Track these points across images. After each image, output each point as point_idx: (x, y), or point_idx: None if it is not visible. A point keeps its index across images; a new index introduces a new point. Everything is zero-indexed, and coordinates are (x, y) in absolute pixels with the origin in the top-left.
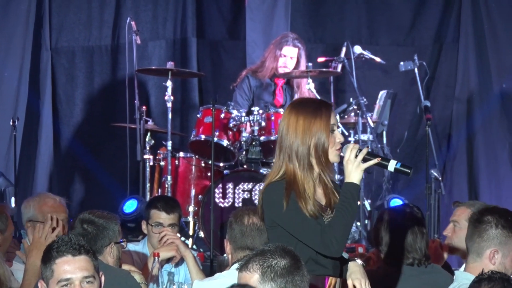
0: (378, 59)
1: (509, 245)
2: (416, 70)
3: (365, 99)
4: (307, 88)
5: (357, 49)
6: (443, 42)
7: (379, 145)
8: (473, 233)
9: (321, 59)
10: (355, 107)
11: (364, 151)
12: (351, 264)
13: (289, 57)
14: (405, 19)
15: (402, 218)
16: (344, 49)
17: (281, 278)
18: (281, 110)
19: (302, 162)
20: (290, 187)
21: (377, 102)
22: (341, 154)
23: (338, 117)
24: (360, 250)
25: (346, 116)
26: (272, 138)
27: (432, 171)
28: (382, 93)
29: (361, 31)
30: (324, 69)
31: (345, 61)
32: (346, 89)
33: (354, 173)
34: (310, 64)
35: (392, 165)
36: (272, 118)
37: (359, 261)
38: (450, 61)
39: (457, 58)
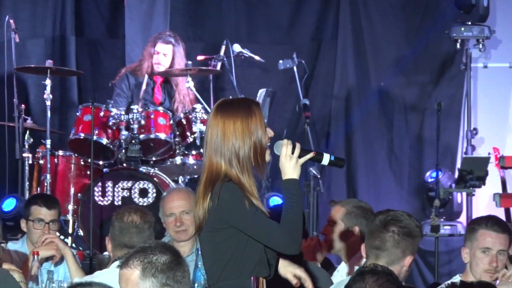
0: (257, 58)
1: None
2: (295, 68)
3: None
4: (187, 86)
5: (236, 48)
6: (321, 40)
7: None
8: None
9: (200, 58)
10: None
11: (298, 146)
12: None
13: (162, 54)
14: (284, 18)
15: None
16: (223, 48)
17: (162, 274)
18: (160, 108)
19: (245, 165)
20: (242, 188)
21: (257, 100)
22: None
23: None
24: None
25: None
26: (152, 136)
27: (311, 168)
28: (262, 91)
29: (240, 30)
30: (204, 68)
31: (225, 59)
32: (226, 87)
33: (294, 169)
34: (189, 62)
35: (326, 158)
36: (152, 116)
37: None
38: (329, 59)
39: (336, 56)
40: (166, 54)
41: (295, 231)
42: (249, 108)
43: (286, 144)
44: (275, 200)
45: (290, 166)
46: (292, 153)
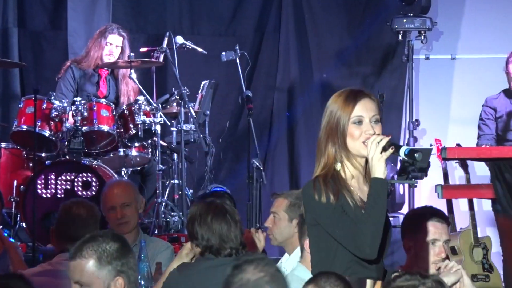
0: (200, 49)
1: None
2: (237, 60)
3: (187, 89)
4: (130, 77)
5: (179, 39)
6: (264, 31)
7: (201, 135)
8: (301, 236)
9: (143, 49)
10: (177, 97)
11: (390, 144)
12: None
13: (114, 46)
14: (226, 9)
15: (214, 209)
16: (166, 40)
17: (117, 261)
18: (103, 100)
19: None
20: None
21: (199, 92)
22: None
23: (160, 107)
24: (183, 239)
25: (168, 107)
26: (94, 128)
27: (253, 160)
28: (204, 83)
29: (183, 22)
30: (146, 59)
31: (167, 51)
32: (168, 79)
33: (384, 168)
34: (132, 54)
35: (402, 151)
36: (95, 108)
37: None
38: (271, 51)
39: (278, 48)
40: (118, 46)
41: (368, 235)
42: None
43: (378, 142)
44: None
45: (381, 166)
46: (384, 150)
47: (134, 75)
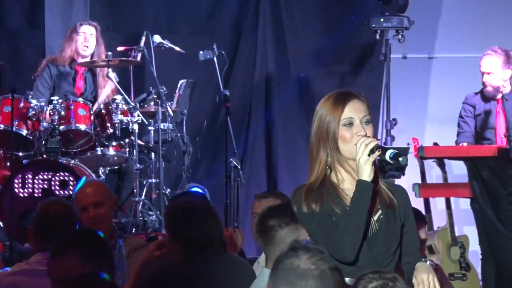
0: (177, 48)
1: (301, 235)
2: (215, 59)
3: (164, 88)
4: (108, 77)
5: (157, 38)
6: (241, 31)
7: (178, 134)
8: (266, 243)
9: (120, 48)
10: (155, 96)
11: (377, 147)
12: (417, 265)
13: (88, 34)
14: (204, 8)
15: (193, 208)
16: (143, 39)
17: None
18: (80, 99)
19: None
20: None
21: (177, 91)
22: None
23: (138, 106)
24: (160, 238)
25: (145, 106)
26: (72, 127)
27: (231, 159)
28: (182, 82)
29: (160, 21)
30: (124, 58)
31: (145, 50)
32: (146, 78)
33: (371, 171)
34: (110, 53)
35: (387, 155)
36: (72, 107)
37: (428, 262)
38: (249, 50)
39: (256, 47)
40: (92, 34)
41: (345, 235)
42: None
43: (366, 144)
44: (195, 191)
45: (367, 169)
46: (372, 152)
47: (112, 74)
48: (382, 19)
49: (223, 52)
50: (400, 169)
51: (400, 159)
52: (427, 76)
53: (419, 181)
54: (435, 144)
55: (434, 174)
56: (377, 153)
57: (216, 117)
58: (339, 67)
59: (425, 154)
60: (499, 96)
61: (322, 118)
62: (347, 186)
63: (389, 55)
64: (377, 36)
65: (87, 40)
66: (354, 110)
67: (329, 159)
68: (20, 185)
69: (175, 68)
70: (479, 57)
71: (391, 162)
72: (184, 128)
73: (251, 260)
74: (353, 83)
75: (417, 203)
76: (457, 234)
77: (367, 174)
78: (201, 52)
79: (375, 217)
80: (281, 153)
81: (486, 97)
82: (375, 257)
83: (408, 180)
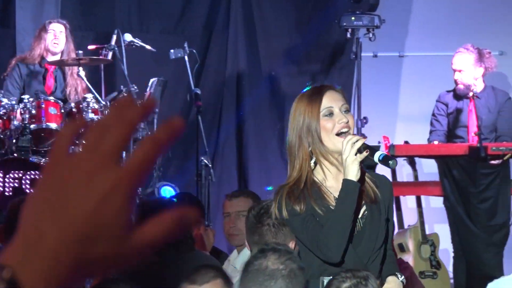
0: (148, 47)
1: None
2: (186, 57)
3: (135, 87)
4: (78, 75)
5: (128, 37)
6: (212, 29)
7: (149, 133)
8: (253, 232)
9: (91, 47)
10: (126, 94)
11: (365, 146)
12: (389, 279)
13: (58, 31)
14: (175, 7)
15: (162, 205)
16: (114, 37)
17: None
18: (51, 98)
19: None
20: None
21: (148, 89)
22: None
23: (109, 104)
24: None
25: None
26: (43, 126)
27: (202, 158)
28: (153, 81)
29: (132, 19)
30: (95, 57)
31: (116, 48)
32: (117, 77)
33: (358, 171)
34: (80, 52)
35: (376, 156)
36: (43, 106)
37: (400, 278)
38: (220, 49)
39: (227, 46)
40: (61, 32)
41: (330, 235)
42: None
43: (353, 143)
44: (167, 190)
45: (354, 168)
46: (359, 152)
47: (82, 73)
48: (353, 18)
49: (194, 51)
50: (371, 167)
51: (390, 162)
52: (397, 74)
53: (390, 179)
54: (406, 142)
55: (405, 172)
56: (365, 153)
57: (187, 116)
58: (310, 65)
59: (396, 153)
60: (471, 94)
61: (300, 114)
62: (331, 184)
63: (360, 54)
64: (348, 35)
65: (56, 37)
66: (332, 99)
67: (313, 155)
68: None
69: (146, 67)
70: (449, 55)
71: (376, 163)
72: (155, 126)
73: (223, 258)
74: (324, 82)
75: None
76: (427, 232)
77: (353, 173)
78: (172, 50)
79: (360, 214)
80: (252, 151)
81: (459, 95)
82: (359, 256)
83: None
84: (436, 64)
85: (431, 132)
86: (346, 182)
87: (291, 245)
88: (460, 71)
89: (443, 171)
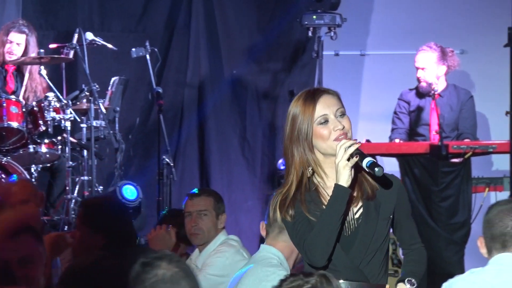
0: (110, 46)
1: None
2: (148, 56)
3: (97, 86)
4: (39, 74)
5: (89, 36)
6: (174, 28)
7: (111, 132)
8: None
9: (53, 46)
10: (87, 93)
11: (356, 153)
12: (399, 286)
13: (15, 43)
14: (137, 6)
15: (110, 202)
16: (76, 36)
17: None
18: (12, 97)
19: None
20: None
21: (109, 88)
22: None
23: (70, 103)
24: None
25: (78, 103)
26: (4, 125)
27: (164, 157)
28: (114, 80)
29: (93, 18)
30: (56, 56)
31: (77, 47)
32: (78, 76)
33: (349, 176)
34: (42, 50)
35: (365, 162)
36: (4, 104)
37: (407, 286)
38: (181, 47)
39: (188, 44)
40: (19, 44)
41: (316, 239)
42: None
43: (346, 148)
44: (128, 189)
45: (346, 174)
46: (351, 157)
47: (44, 72)
48: (314, 16)
49: (156, 49)
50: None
51: (376, 169)
52: (359, 73)
53: None
54: (368, 141)
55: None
56: (355, 158)
57: (148, 114)
58: (272, 64)
59: None
60: (433, 92)
61: (294, 119)
62: (331, 184)
63: (321, 52)
64: (310, 33)
65: (11, 51)
66: (326, 106)
67: (306, 161)
68: None
69: (108, 66)
70: (411, 54)
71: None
72: (117, 125)
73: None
74: (286, 80)
75: None
76: None
77: (344, 179)
78: (133, 49)
79: (355, 214)
80: (213, 150)
81: (421, 94)
82: (351, 258)
83: None
84: (397, 62)
85: (392, 130)
86: (336, 187)
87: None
88: (423, 68)
89: (405, 170)
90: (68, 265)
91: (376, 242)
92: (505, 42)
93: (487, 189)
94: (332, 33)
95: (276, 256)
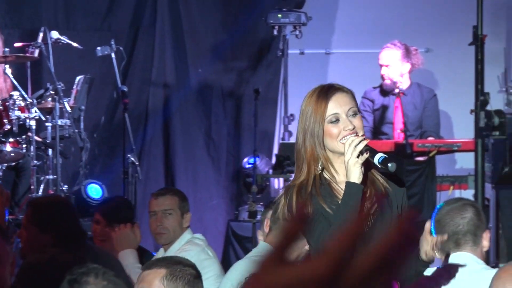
0: (75, 44)
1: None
2: (113, 54)
3: (62, 84)
4: (4, 73)
5: (54, 34)
6: (139, 26)
7: (76, 130)
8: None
9: (17, 44)
10: (52, 92)
11: (366, 149)
12: None
13: None
14: (102, 4)
15: (58, 200)
16: (41, 34)
17: None
18: None
19: None
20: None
21: (74, 87)
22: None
23: (35, 102)
24: None
25: (43, 102)
26: None
27: (129, 155)
28: (80, 78)
29: (58, 16)
30: (21, 55)
31: (42, 46)
32: (43, 75)
33: (360, 173)
34: (7, 49)
35: (376, 158)
36: None
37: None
38: (147, 46)
39: (154, 42)
40: None
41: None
42: None
43: (356, 145)
44: (93, 188)
45: (356, 171)
46: (361, 154)
47: (9, 71)
48: (279, 15)
49: (121, 48)
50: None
51: (389, 165)
52: (324, 71)
53: None
54: None
55: None
56: (365, 155)
57: (113, 113)
58: (237, 62)
59: None
60: (397, 91)
61: (306, 116)
62: (342, 180)
63: (286, 51)
64: (275, 32)
65: None
66: (338, 105)
67: (319, 161)
68: None
69: (73, 64)
70: (375, 52)
71: (379, 166)
72: (82, 124)
73: (148, 256)
74: (251, 79)
75: None
76: None
77: (356, 176)
78: (98, 48)
79: (371, 210)
80: (178, 149)
81: (385, 92)
82: None
83: None
84: (362, 61)
85: None
86: (348, 185)
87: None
88: (387, 66)
89: None
90: (25, 262)
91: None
92: (469, 41)
93: (451, 187)
94: (297, 32)
95: None
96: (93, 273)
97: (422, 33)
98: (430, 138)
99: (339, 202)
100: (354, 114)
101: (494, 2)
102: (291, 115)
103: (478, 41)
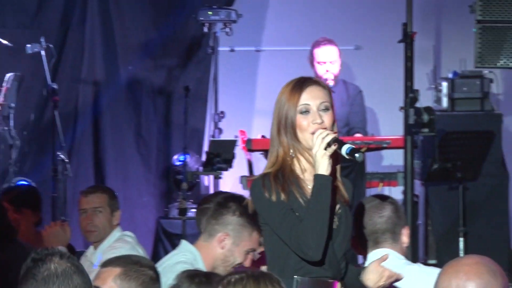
0: (4, 42)
1: (242, 235)
2: (43, 52)
3: None
4: None
5: None
6: (69, 24)
7: (5, 128)
8: (211, 215)
9: None
10: None
11: (334, 140)
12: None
13: None
14: (32, 2)
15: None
16: None
17: None
18: None
19: None
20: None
21: (4, 84)
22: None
23: None
24: None
25: None
26: None
27: (58, 153)
28: (9, 76)
29: None
30: None
31: None
32: None
33: (328, 165)
34: None
35: (344, 149)
36: None
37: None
38: (77, 43)
39: (84, 40)
40: None
41: (308, 233)
42: None
43: (323, 138)
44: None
45: (324, 163)
46: (329, 146)
47: None
48: (210, 12)
49: (51, 46)
50: (228, 162)
51: (357, 155)
52: (254, 69)
53: (247, 174)
54: (263, 136)
55: (261, 167)
56: (333, 147)
57: (43, 111)
58: (167, 59)
59: (253, 147)
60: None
61: (281, 105)
62: (309, 177)
63: (216, 48)
64: (205, 29)
65: None
66: (311, 97)
67: (291, 149)
68: None
69: (2, 62)
70: (305, 50)
71: (347, 157)
72: (11, 121)
73: (78, 254)
74: (181, 76)
75: (245, 195)
76: None
77: (324, 168)
78: (28, 45)
79: (336, 212)
80: (108, 146)
81: None
82: (335, 252)
83: (236, 172)
84: (292, 58)
85: None
86: (317, 177)
87: (221, 236)
88: (332, 62)
89: None
90: None
91: (349, 243)
92: (399, 38)
93: (381, 184)
94: (227, 29)
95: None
96: (58, 255)
97: (351, 30)
98: (358, 135)
99: (308, 197)
100: (326, 109)
101: (424, 0)
102: (222, 112)
103: (407, 39)
